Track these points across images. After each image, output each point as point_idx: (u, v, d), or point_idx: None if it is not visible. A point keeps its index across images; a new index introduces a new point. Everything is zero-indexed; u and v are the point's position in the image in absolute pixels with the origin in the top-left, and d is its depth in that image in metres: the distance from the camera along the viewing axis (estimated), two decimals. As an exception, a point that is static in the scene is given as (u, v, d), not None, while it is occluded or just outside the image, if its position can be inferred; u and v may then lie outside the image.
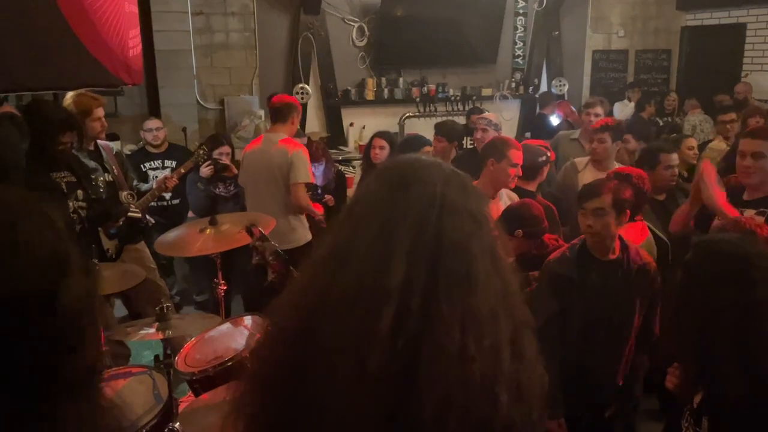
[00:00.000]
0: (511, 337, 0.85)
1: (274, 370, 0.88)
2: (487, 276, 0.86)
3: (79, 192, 3.58)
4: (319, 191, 5.07)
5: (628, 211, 2.83)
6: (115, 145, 4.95)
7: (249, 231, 2.80)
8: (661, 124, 7.86)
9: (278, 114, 4.40)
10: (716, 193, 3.09)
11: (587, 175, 4.17)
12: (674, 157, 3.96)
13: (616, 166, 4.16)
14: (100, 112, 4.06)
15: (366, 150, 5.07)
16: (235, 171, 4.68)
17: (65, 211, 3.42)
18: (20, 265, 0.72)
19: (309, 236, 4.37)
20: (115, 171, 4.02)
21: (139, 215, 3.96)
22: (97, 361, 0.80)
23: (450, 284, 0.83)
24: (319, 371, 0.82)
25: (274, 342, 0.91)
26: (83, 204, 3.60)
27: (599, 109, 5.15)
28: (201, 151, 4.49)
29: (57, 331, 0.73)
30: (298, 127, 4.63)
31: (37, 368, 0.71)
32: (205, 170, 4.66)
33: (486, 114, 5.16)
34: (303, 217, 4.42)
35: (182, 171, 4.44)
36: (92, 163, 3.88)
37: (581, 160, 4.37)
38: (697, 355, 1.75)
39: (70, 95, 4.12)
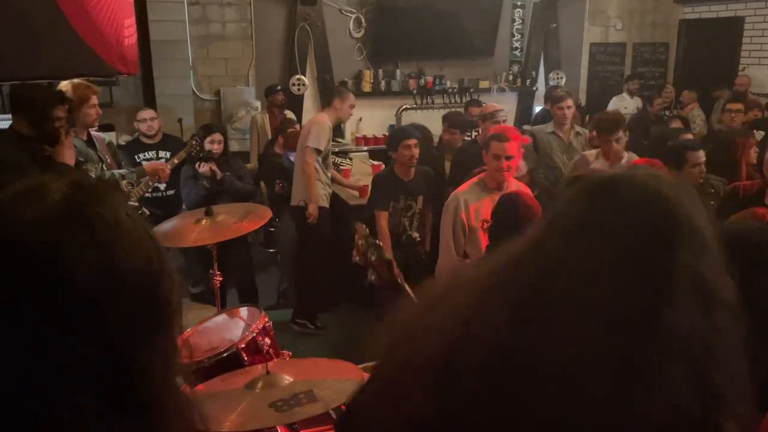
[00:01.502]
0: None
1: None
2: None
3: None
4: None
5: None
6: (110, 136, 4.93)
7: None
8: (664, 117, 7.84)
9: (326, 101, 5.07)
10: None
11: (597, 166, 4.26)
12: (701, 154, 3.85)
13: (625, 156, 4.24)
14: (95, 99, 4.06)
15: None
16: (220, 174, 4.68)
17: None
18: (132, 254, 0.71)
19: (299, 201, 4.73)
20: (108, 161, 4.00)
21: (137, 204, 3.95)
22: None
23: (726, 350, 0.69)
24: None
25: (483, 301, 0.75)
26: None
27: (570, 101, 5.23)
28: (194, 142, 4.48)
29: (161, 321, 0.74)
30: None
31: (138, 359, 0.71)
32: (203, 169, 4.64)
33: (494, 104, 5.17)
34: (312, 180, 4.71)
35: (175, 161, 4.43)
36: (91, 153, 3.85)
37: (591, 153, 4.49)
38: None
39: (65, 83, 4.10)
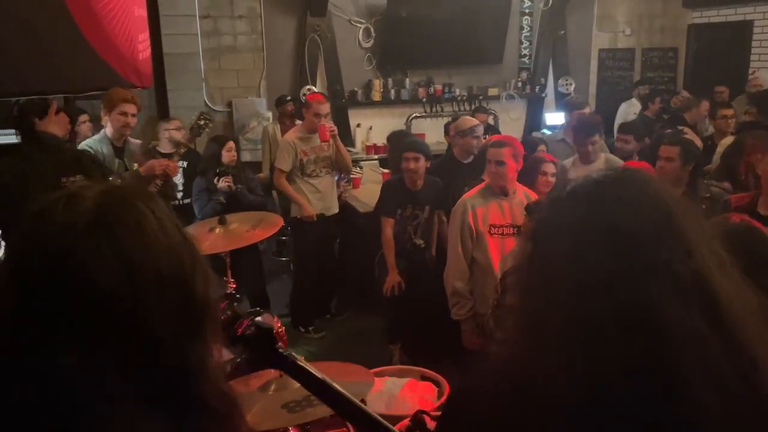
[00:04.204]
0: None
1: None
2: None
3: None
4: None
5: None
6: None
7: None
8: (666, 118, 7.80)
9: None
10: None
11: (572, 174, 4.31)
12: (671, 149, 3.86)
13: (601, 156, 4.32)
14: (124, 107, 4.06)
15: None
16: (233, 187, 4.76)
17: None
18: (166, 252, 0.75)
19: (296, 213, 5.02)
20: (136, 167, 4.09)
21: None
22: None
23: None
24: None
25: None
26: None
27: (587, 110, 5.24)
28: (201, 122, 4.37)
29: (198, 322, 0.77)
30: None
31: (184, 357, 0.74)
32: (222, 185, 4.72)
33: (470, 119, 5.07)
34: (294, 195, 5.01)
35: (181, 151, 4.42)
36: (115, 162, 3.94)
37: (568, 161, 4.52)
38: None
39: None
